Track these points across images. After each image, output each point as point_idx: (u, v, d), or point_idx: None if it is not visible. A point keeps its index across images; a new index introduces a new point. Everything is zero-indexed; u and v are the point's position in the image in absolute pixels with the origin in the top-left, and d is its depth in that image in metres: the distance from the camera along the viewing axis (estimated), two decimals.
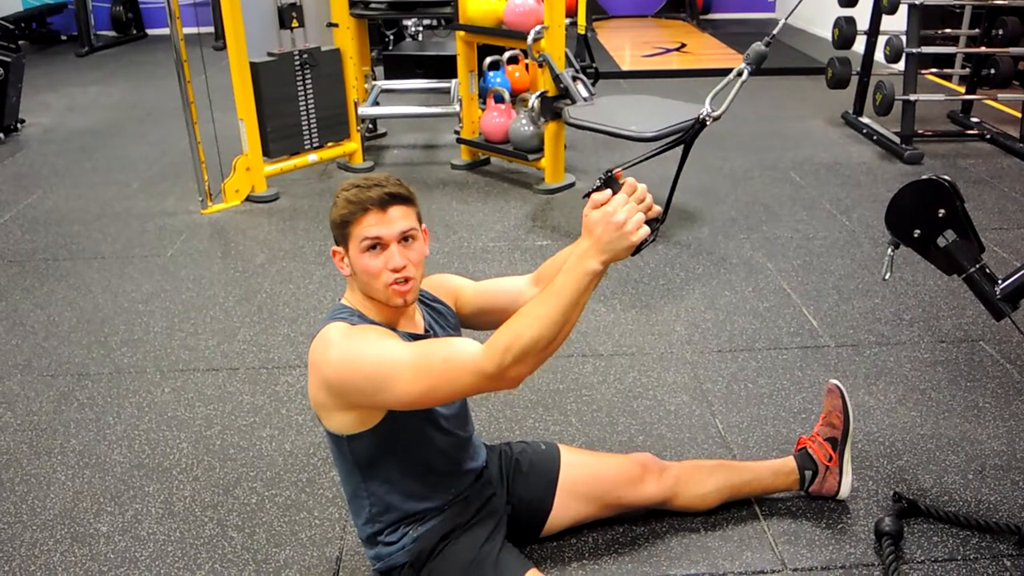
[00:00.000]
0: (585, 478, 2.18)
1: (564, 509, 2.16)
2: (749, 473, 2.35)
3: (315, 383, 1.79)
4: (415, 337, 1.83)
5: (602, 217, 1.56)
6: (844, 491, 2.35)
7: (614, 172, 1.64)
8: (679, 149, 1.92)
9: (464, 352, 1.64)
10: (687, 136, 1.87)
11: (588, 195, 1.63)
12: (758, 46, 1.89)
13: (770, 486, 2.36)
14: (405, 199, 1.78)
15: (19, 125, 6.26)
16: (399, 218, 1.77)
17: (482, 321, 2.04)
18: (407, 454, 1.88)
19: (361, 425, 1.81)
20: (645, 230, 1.57)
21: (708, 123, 1.84)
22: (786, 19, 2.16)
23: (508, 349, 1.57)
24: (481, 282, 2.08)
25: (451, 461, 1.96)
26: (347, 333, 1.73)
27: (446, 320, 2.00)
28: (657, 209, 1.68)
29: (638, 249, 1.59)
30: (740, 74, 1.89)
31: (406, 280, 1.77)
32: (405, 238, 1.78)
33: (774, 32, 1.98)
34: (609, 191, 1.61)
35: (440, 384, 1.64)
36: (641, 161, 1.83)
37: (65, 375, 3.08)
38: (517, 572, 1.90)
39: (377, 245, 1.75)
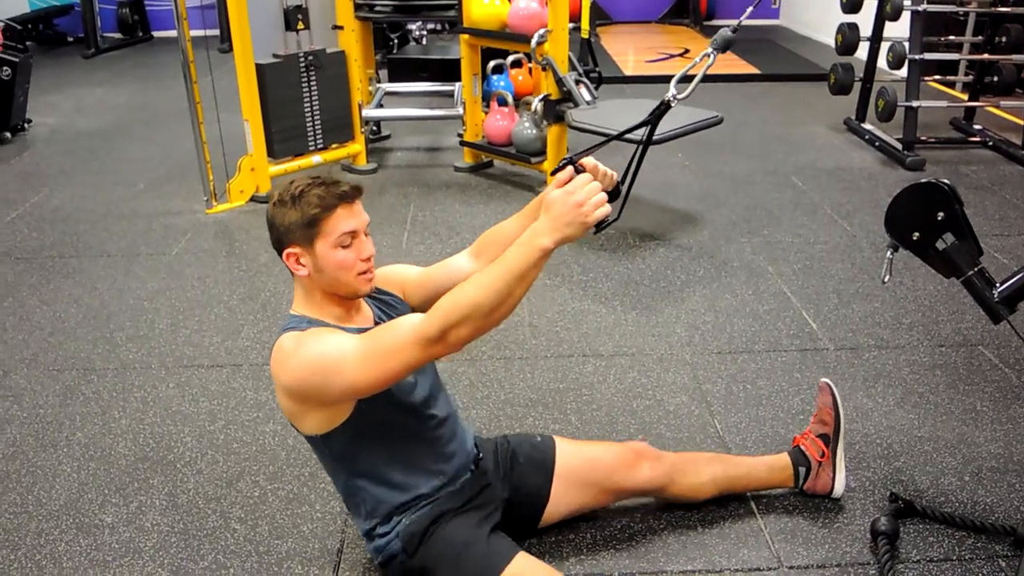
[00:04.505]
0: (581, 465, 2.20)
1: (562, 497, 2.18)
2: (744, 467, 2.38)
3: (280, 393, 1.85)
4: (367, 331, 1.86)
5: (562, 196, 1.60)
6: (838, 489, 2.37)
7: (577, 160, 1.68)
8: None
9: (405, 323, 1.69)
10: (652, 117, 1.91)
11: (553, 174, 1.67)
12: (725, 31, 1.92)
13: (765, 481, 2.38)
14: (361, 192, 1.83)
15: (26, 125, 6.31)
16: (362, 210, 1.83)
17: (432, 303, 2.06)
18: (383, 443, 1.92)
19: (332, 422, 1.85)
20: (604, 210, 1.60)
21: (673, 105, 1.87)
22: (754, 7, 2.19)
23: (449, 313, 1.61)
24: (425, 268, 2.09)
25: (428, 445, 1.99)
26: (298, 340, 1.77)
27: (396, 310, 2.02)
28: (613, 174, 1.73)
29: (601, 228, 1.63)
30: (706, 57, 1.92)
31: (371, 267, 1.84)
32: (367, 230, 1.84)
33: (740, 20, 2.01)
34: (572, 170, 1.65)
35: (388, 360, 1.68)
36: (603, 144, 1.86)
37: (71, 370, 3.11)
38: (508, 553, 1.92)
39: (351, 239, 1.79)
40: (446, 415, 2.04)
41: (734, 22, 2.01)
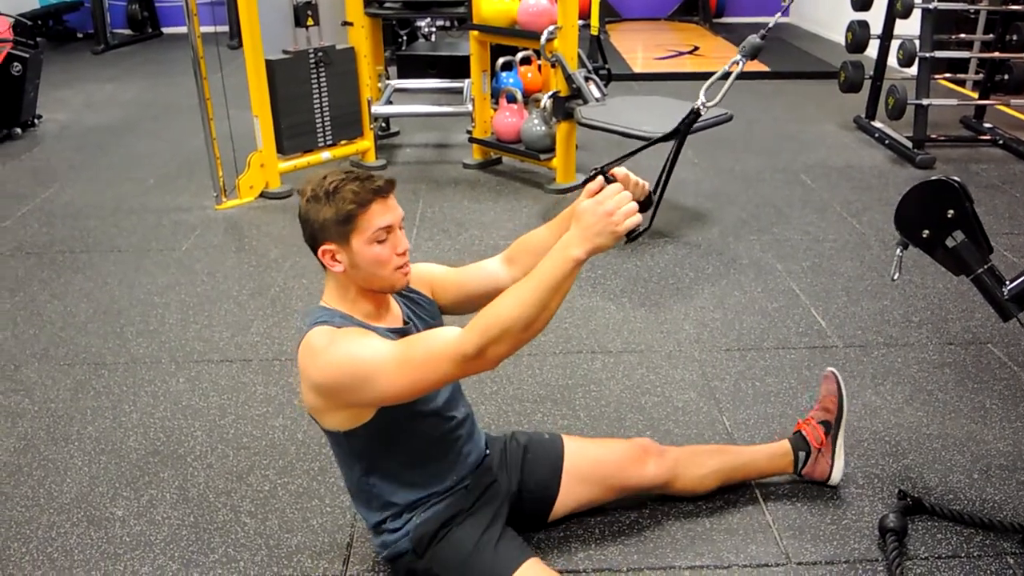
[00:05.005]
0: (588, 463, 2.21)
1: (569, 493, 2.19)
2: (746, 456, 2.40)
3: (306, 388, 1.83)
4: (397, 331, 1.87)
5: (592, 206, 1.60)
6: (835, 476, 2.39)
7: (608, 170, 1.67)
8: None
9: (443, 338, 1.68)
10: (682, 126, 1.91)
11: (582, 185, 1.67)
12: (753, 38, 1.92)
13: (766, 468, 2.40)
14: (394, 185, 1.82)
15: (36, 121, 6.33)
16: (396, 205, 1.82)
17: (462, 307, 2.07)
18: (403, 445, 1.92)
19: (356, 421, 1.85)
20: (635, 219, 1.60)
21: (702, 112, 1.87)
22: (781, 13, 2.18)
23: (487, 330, 1.60)
24: (456, 269, 2.10)
25: (447, 447, 1.99)
26: (331, 337, 1.76)
27: (424, 310, 2.02)
28: (645, 184, 1.72)
29: (632, 238, 1.63)
30: (735, 64, 1.92)
31: (407, 261, 1.84)
32: (401, 223, 1.83)
33: (769, 25, 2.01)
34: (602, 179, 1.65)
35: (424, 373, 1.68)
36: (635, 153, 1.86)
37: (82, 364, 3.13)
38: (517, 559, 1.93)
39: (387, 234, 1.78)
40: (464, 416, 2.05)
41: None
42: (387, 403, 1.78)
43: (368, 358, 1.71)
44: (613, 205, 1.58)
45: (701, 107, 1.86)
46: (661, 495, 2.35)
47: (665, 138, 1.91)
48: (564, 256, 1.60)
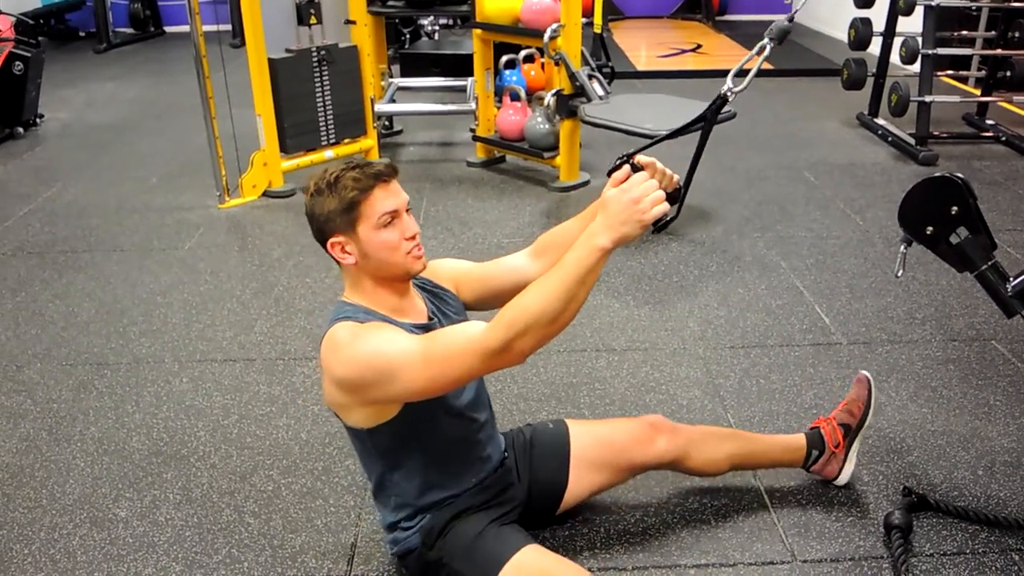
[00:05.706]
0: (594, 447, 2.18)
1: (578, 482, 2.16)
2: (761, 445, 2.38)
3: (329, 384, 1.81)
4: (421, 327, 1.85)
5: (618, 194, 1.57)
6: (843, 478, 2.39)
7: (633, 158, 1.66)
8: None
9: (468, 333, 1.66)
10: (709, 112, 1.89)
11: (610, 173, 1.65)
12: (781, 22, 1.92)
13: (777, 460, 2.38)
14: (396, 171, 1.81)
15: (38, 120, 6.34)
16: (400, 189, 1.81)
17: (487, 303, 2.05)
18: (426, 443, 1.91)
19: (379, 418, 1.84)
20: (662, 208, 1.56)
21: (730, 98, 1.86)
22: (797, 9, 2.18)
23: (513, 324, 1.58)
24: (481, 264, 2.08)
25: (468, 448, 1.99)
26: (354, 332, 1.75)
27: (449, 305, 2.01)
28: (677, 178, 1.70)
29: (660, 227, 1.61)
30: (762, 49, 1.91)
31: (419, 245, 1.82)
32: (408, 207, 1.82)
33: (796, 9, 2.01)
34: (628, 168, 1.63)
35: (449, 368, 1.66)
36: (661, 140, 1.85)
37: (84, 364, 3.13)
38: (519, 542, 1.91)
39: (392, 218, 1.77)
40: (486, 419, 2.04)
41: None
42: (411, 399, 1.77)
43: (392, 353, 1.69)
44: (639, 193, 1.55)
45: (729, 92, 1.85)
46: (670, 491, 2.34)
47: (693, 124, 1.90)
48: (590, 246, 1.57)
